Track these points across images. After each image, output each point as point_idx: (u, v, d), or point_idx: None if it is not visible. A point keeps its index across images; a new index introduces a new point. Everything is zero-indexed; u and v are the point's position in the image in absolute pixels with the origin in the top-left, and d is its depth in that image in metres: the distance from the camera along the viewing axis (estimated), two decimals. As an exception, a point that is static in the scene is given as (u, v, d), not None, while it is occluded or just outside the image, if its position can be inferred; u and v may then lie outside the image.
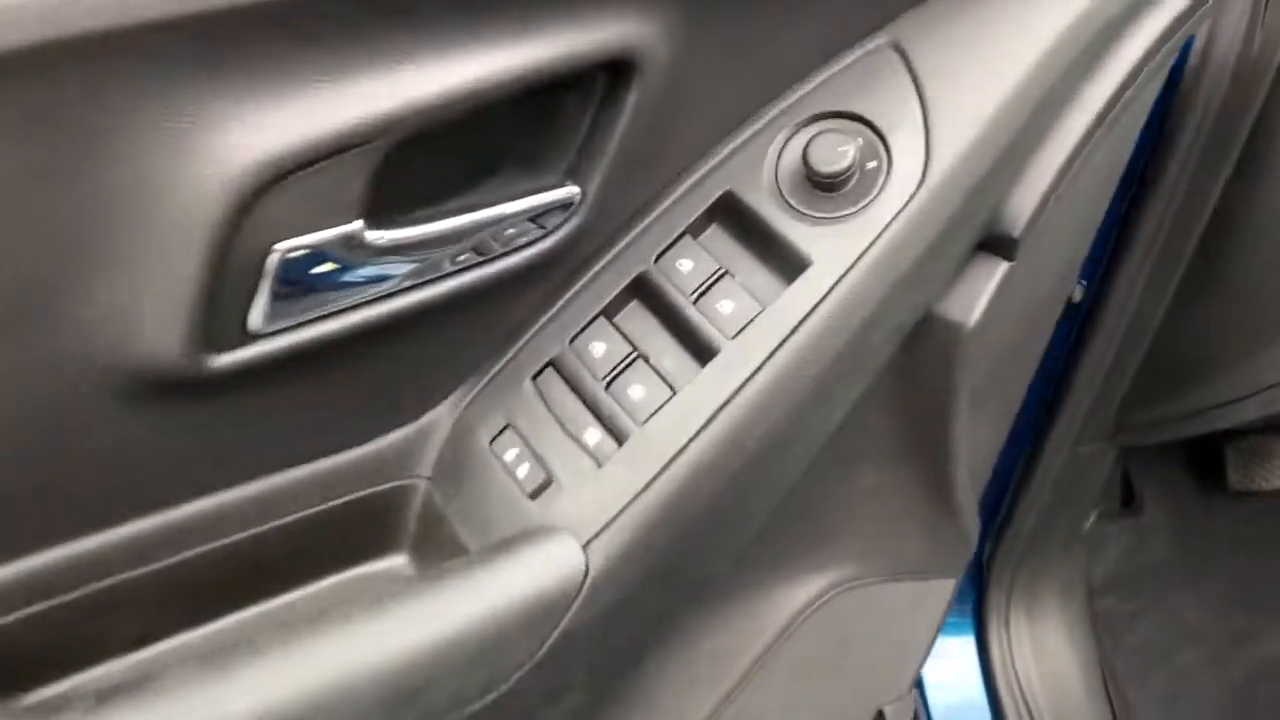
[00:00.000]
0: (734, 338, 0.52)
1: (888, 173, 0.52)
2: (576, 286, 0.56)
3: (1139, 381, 0.94)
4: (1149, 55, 0.57)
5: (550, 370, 0.56)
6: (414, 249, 0.48)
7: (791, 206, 0.53)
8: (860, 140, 0.53)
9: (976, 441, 0.77)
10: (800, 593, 0.77)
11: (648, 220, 0.56)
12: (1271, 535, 1.18)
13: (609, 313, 0.56)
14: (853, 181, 0.53)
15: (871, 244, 0.51)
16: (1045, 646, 1.15)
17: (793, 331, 0.51)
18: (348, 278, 0.47)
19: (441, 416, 0.57)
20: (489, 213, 0.49)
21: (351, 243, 0.45)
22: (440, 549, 0.57)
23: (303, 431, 0.54)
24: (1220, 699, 1.14)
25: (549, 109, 0.50)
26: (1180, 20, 0.58)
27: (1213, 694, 1.14)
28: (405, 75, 0.42)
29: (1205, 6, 0.59)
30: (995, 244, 0.58)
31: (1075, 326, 0.90)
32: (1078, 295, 0.87)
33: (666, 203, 0.56)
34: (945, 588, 0.88)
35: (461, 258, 0.51)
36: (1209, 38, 0.73)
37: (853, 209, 0.52)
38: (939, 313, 0.59)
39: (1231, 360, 0.89)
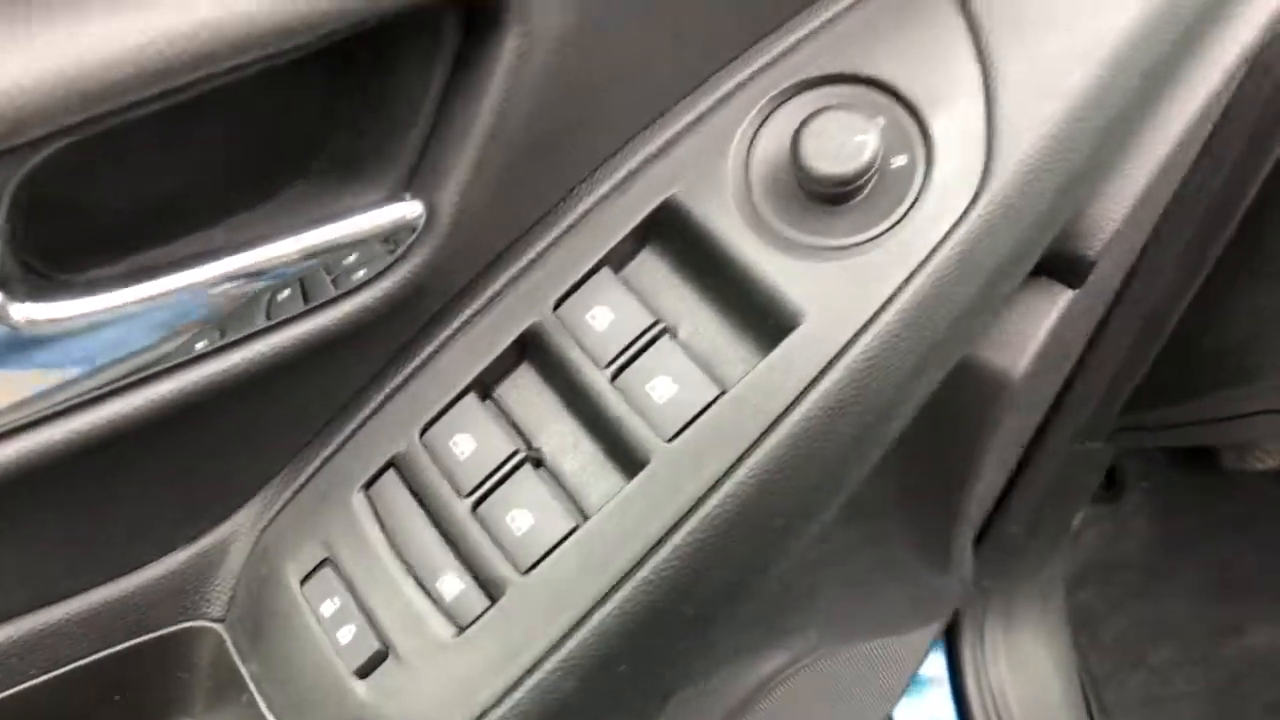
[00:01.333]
0: (673, 440, 0.33)
1: (926, 174, 0.33)
2: (432, 346, 0.36)
3: (1154, 378, 0.82)
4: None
5: (391, 475, 0.36)
6: (114, 320, 0.28)
7: (770, 226, 0.34)
8: (882, 121, 0.33)
9: (984, 485, 0.61)
10: (754, 674, 0.61)
11: (545, 243, 0.36)
12: (1256, 517, 1.16)
13: (482, 386, 0.36)
14: (869, 188, 0.33)
15: (900, 288, 0.33)
16: (1022, 653, 1.08)
17: (766, 431, 0.32)
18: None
19: (234, 535, 0.38)
20: (257, 254, 0.29)
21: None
22: None
23: (23, 569, 0.35)
24: (1203, 700, 1.09)
25: (370, 75, 0.30)
26: None
27: (1194, 694, 1.09)
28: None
29: None
30: (1056, 266, 0.40)
31: None
32: None
33: (574, 215, 0.36)
34: (924, 637, 0.74)
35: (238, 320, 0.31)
36: None
37: (870, 233, 0.33)
38: (976, 358, 0.41)
39: (1270, 363, 0.77)
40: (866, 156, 0.33)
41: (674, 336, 0.35)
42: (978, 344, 0.42)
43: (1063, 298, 0.41)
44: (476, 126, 0.31)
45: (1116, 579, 1.14)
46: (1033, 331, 0.41)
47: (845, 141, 0.33)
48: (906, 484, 0.51)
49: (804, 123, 0.34)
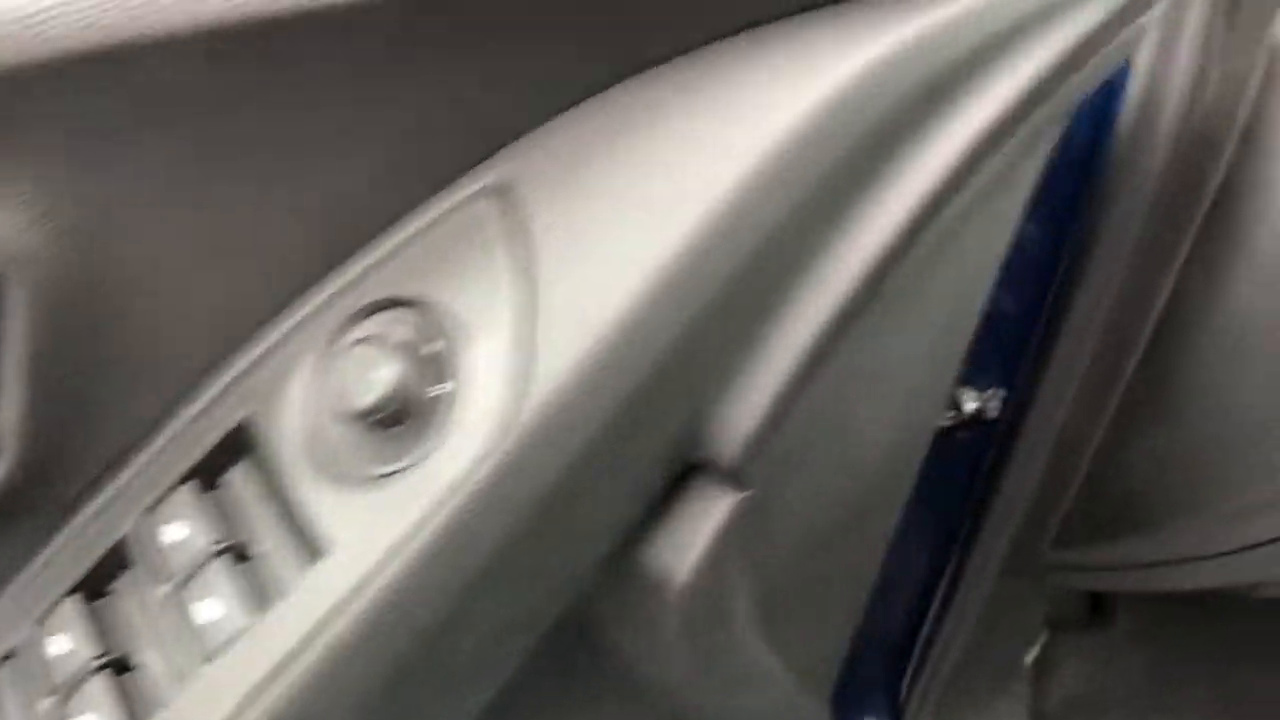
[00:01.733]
0: (211, 662, 0.33)
1: (461, 405, 0.33)
2: (48, 549, 0.38)
3: (1075, 516, 0.77)
4: (1002, 129, 0.37)
5: (12, 664, 0.38)
6: None
7: (323, 453, 0.34)
8: (429, 349, 0.34)
9: (808, 636, 0.57)
10: None
11: (147, 456, 0.37)
12: (1263, 650, 1.03)
13: (89, 589, 0.37)
14: (412, 417, 0.33)
15: (423, 522, 0.32)
16: (977, 804, 0.99)
17: (282, 665, 0.32)
18: None
19: None
20: None
21: None
22: None
23: None
24: None
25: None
26: (1060, 73, 0.38)
27: None
28: None
29: (1111, 46, 0.39)
30: (710, 469, 0.39)
31: (992, 445, 0.71)
32: (994, 410, 0.68)
33: (171, 431, 0.37)
34: None
35: None
36: (1149, 84, 0.53)
37: (402, 464, 0.33)
38: (637, 561, 0.40)
39: (1186, 506, 0.72)
40: (379, 392, 0.33)
41: (241, 556, 0.35)
42: (638, 540, 0.40)
43: (725, 501, 0.39)
44: (15, 372, 0.33)
45: (1104, 717, 1.05)
46: (694, 534, 0.39)
47: (366, 374, 0.33)
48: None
49: (346, 352, 0.34)
